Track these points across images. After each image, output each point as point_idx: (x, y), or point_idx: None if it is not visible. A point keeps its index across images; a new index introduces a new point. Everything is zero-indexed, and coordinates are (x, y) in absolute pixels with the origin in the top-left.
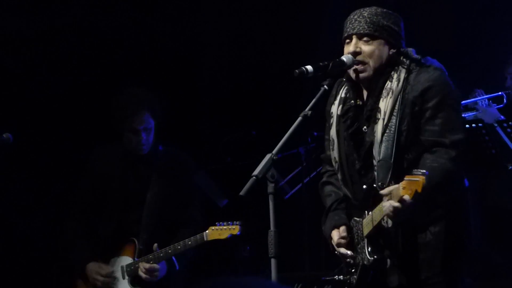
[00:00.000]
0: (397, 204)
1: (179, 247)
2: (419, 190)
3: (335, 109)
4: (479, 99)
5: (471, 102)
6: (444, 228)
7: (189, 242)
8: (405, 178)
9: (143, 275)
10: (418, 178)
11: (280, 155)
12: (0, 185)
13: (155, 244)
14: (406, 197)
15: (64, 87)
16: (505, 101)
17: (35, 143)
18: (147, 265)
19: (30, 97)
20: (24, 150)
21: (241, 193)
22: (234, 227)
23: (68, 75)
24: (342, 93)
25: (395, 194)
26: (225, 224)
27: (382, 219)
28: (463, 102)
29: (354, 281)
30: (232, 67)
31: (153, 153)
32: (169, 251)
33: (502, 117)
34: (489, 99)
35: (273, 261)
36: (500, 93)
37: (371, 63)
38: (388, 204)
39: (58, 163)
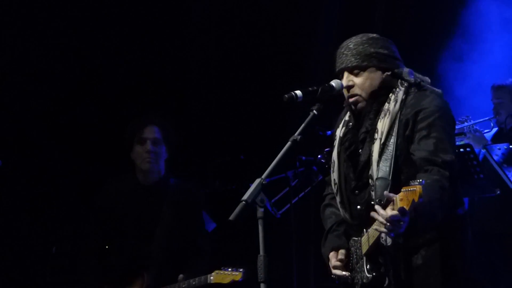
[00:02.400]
0: (395, 212)
1: (183, 286)
2: (416, 199)
3: (339, 131)
4: (466, 125)
5: (458, 128)
6: (437, 252)
7: (193, 282)
8: (402, 190)
9: None
10: (414, 188)
11: (268, 179)
12: None
13: (181, 275)
14: (404, 207)
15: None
16: (492, 126)
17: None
18: None
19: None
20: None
21: (231, 217)
22: (237, 273)
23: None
24: (346, 116)
25: (395, 203)
26: (229, 270)
27: (381, 236)
28: None
29: None
30: (221, 92)
31: (163, 185)
32: (183, 286)
33: (490, 142)
34: (476, 124)
35: (262, 286)
36: (487, 118)
37: (364, 94)
38: (384, 213)
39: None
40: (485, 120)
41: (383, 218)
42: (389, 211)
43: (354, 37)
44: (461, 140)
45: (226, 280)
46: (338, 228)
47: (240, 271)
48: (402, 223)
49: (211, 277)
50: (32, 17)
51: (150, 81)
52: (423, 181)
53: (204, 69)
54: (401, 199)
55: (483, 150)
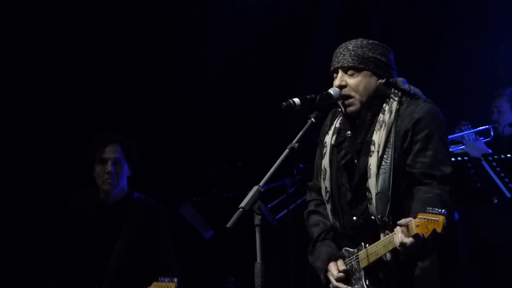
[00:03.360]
0: (411, 240)
1: None
2: (439, 230)
3: (329, 139)
4: (466, 133)
5: (458, 136)
6: (434, 261)
7: None
8: (419, 216)
9: None
10: (437, 217)
11: (266, 187)
12: None
13: None
14: (421, 235)
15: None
16: (492, 135)
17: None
18: None
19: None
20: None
21: (228, 225)
22: (171, 283)
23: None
24: (336, 123)
25: (410, 229)
26: (166, 279)
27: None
28: (450, 136)
29: None
30: (220, 101)
31: (126, 202)
32: None
33: (490, 150)
34: (476, 133)
35: None
36: (487, 126)
37: (357, 96)
38: (402, 238)
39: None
40: (485, 128)
41: (400, 242)
42: (405, 238)
43: (354, 40)
44: (461, 148)
45: None
46: (327, 236)
47: (174, 281)
48: (415, 248)
49: None
50: None
51: (148, 86)
52: (445, 211)
53: (204, 77)
54: (418, 225)
55: (482, 159)
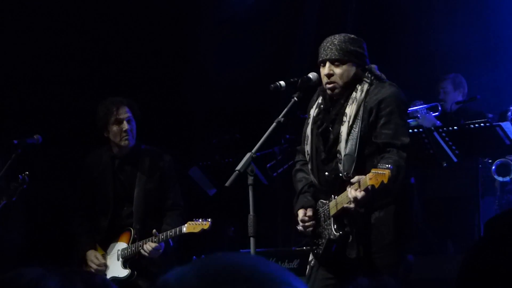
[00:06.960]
0: (362, 193)
1: (162, 236)
2: (385, 181)
3: (313, 111)
4: (419, 108)
5: (413, 111)
6: (390, 213)
7: (170, 233)
8: (371, 171)
9: (147, 254)
10: (384, 171)
11: (258, 153)
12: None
13: (154, 230)
14: (372, 186)
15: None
16: (440, 109)
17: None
18: (153, 245)
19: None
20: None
21: (227, 184)
22: (205, 223)
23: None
24: (319, 99)
25: (363, 183)
26: (200, 220)
27: (348, 202)
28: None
29: (320, 251)
30: (221, 84)
31: (136, 153)
32: (162, 237)
33: (439, 122)
34: (427, 108)
35: (252, 239)
36: (435, 103)
37: (341, 82)
38: (354, 193)
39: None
40: (434, 104)
41: (351, 196)
42: (358, 193)
43: (337, 35)
44: (414, 121)
45: (197, 229)
46: (308, 190)
47: (208, 221)
48: (367, 198)
49: (184, 228)
50: None
51: (153, 69)
52: (391, 166)
53: (208, 65)
54: (370, 178)
55: (433, 129)
